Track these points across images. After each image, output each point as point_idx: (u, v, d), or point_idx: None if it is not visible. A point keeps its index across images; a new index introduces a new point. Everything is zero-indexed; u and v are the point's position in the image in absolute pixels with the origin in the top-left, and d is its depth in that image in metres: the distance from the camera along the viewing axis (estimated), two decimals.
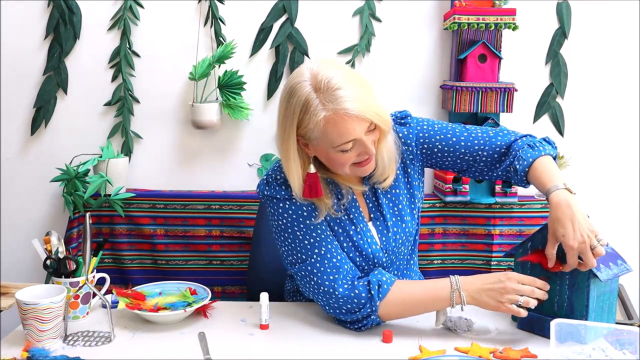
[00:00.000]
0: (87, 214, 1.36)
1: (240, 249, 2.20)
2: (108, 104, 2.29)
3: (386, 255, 1.46)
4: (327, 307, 1.38)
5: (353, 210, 1.44)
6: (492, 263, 2.20)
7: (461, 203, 2.16)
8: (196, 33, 2.25)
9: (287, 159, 1.37)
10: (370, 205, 1.47)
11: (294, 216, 1.40)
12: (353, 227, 1.43)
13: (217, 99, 2.25)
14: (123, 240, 2.21)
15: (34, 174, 2.33)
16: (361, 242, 1.43)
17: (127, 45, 2.26)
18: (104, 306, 1.46)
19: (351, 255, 1.42)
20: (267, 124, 2.31)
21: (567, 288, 1.31)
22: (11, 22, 2.25)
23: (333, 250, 1.39)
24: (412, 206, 1.52)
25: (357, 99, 1.27)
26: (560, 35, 2.28)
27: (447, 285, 1.32)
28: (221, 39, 2.25)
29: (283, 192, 1.41)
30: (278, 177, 1.44)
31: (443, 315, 1.34)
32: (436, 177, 2.27)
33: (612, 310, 1.36)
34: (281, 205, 1.41)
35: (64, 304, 1.30)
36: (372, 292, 1.33)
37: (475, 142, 1.47)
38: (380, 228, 1.46)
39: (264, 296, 1.36)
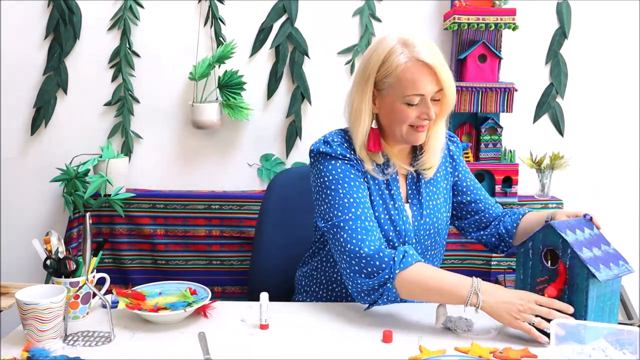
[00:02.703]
0: (87, 214, 1.36)
1: (240, 249, 2.20)
2: (108, 104, 2.29)
3: (415, 240, 1.50)
4: (348, 271, 1.40)
5: (395, 189, 1.51)
6: (492, 263, 2.20)
7: None
8: (196, 33, 2.25)
9: (358, 111, 1.47)
10: (410, 190, 1.53)
11: (342, 174, 1.46)
12: (392, 202, 1.49)
13: (217, 99, 2.25)
14: (123, 240, 2.21)
15: (34, 174, 2.33)
16: (396, 217, 1.48)
17: (127, 45, 2.26)
18: (104, 306, 1.46)
19: (386, 227, 1.47)
20: (267, 124, 2.31)
21: (566, 288, 1.30)
22: (11, 22, 2.26)
23: (368, 215, 1.43)
24: (447, 207, 1.59)
25: (437, 59, 1.39)
26: (560, 35, 2.28)
27: (467, 284, 1.32)
28: (221, 39, 2.25)
29: (339, 152, 1.48)
30: (336, 139, 1.51)
31: (443, 315, 1.34)
32: None
33: (614, 311, 1.35)
34: (333, 162, 1.48)
35: (64, 304, 1.30)
36: (396, 259, 1.35)
37: (485, 196, 1.63)
38: (415, 213, 1.52)
39: (264, 296, 1.36)
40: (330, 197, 1.45)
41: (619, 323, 1.73)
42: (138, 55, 2.27)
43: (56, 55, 2.26)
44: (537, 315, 1.27)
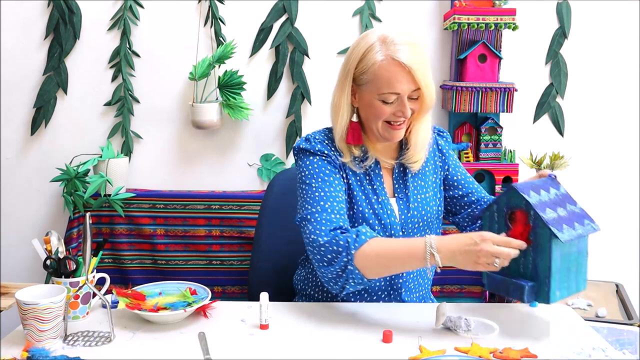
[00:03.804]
0: (87, 214, 1.36)
1: (240, 249, 2.20)
2: (108, 104, 2.29)
3: (403, 233, 1.51)
4: (314, 262, 1.42)
5: (377, 183, 1.52)
6: None
7: None
8: (196, 33, 2.25)
9: (338, 104, 1.50)
10: (396, 184, 1.55)
11: (317, 169, 1.49)
12: (375, 197, 1.51)
13: (217, 99, 2.25)
14: (123, 240, 2.21)
15: (34, 174, 2.33)
16: (380, 211, 1.50)
17: (127, 45, 2.26)
18: (104, 306, 1.46)
19: (371, 221, 1.49)
20: (267, 124, 2.31)
21: (531, 249, 1.29)
22: (11, 22, 2.26)
23: (337, 207, 1.44)
24: (438, 201, 1.59)
25: (414, 60, 1.40)
26: (560, 35, 2.28)
27: (421, 247, 1.33)
28: (221, 39, 2.25)
29: (317, 148, 1.51)
30: (317, 137, 1.54)
31: (443, 315, 1.34)
32: None
33: (581, 271, 1.33)
34: (311, 158, 1.51)
35: (64, 304, 1.30)
36: (349, 240, 1.36)
37: (478, 188, 1.63)
38: (402, 206, 1.53)
39: (264, 296, 1.36)
40: (304, 192, 1.49)
41: (619, 323, 1.74)
42: (138, 55, 2.27)
43: (56, 55, 2.26)
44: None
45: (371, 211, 1.49)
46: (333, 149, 1.51)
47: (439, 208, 1.60)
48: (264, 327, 1.36)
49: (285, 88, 2.30)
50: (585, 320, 1.49)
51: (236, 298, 2.22)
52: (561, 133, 2.33)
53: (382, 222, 1.49)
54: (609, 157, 2.35)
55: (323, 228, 1.40)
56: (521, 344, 1.27)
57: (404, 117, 1.44)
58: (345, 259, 1.35)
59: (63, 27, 2.24)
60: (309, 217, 1.43)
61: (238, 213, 2.19)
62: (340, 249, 1.36)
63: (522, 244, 1.27)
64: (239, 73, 2.22)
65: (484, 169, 2.16)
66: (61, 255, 1.43)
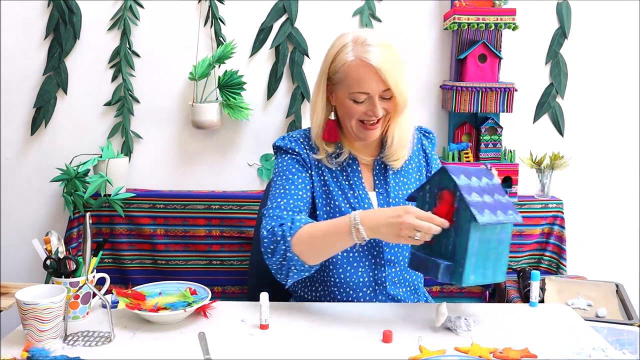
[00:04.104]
0: (87, 214, 1.36)
1: (240, 249, 2.20)
2: (108, 104, 2.29)
3: None
4: (263, 254, 1.47)
5: (355, 179, 1.56)
6: None
7: None
8: (196, 33, 2.25)
9: (315, 102, 1.55)
10: (376, 179, 1.57)
11: (284, 168, 1.55)
12: (351, 192, 1.54)
13: (217, 99, 2.25)
14: (123, 240, 2.21)
15: (34, 174, 2.33)
16: (357, 205, 1.53)
17: (127, 45, 2.26)
18: (104, 306, 1.46)
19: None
20: (267, 124, 2.31)
21: (453, 230, 1.30)
22: (11, 22, 2.25)
23: (290, 206, 1.49)
24: None
25: (383, 60, 1.42)
26: (560, 35, 2.28)
27: (347, 223, 1.36)
28: (221, 39, 2.25)
29: (289, 146, 1.56)
30: (295, 135, 1.59)
31: (443, 315, 1.34)
32: None
33: (501, 262, 1.33)
34: (283, 156, 1.57)
35: (64, 304, 1.30)
36: (285, 229, 1.41)
37: None
38: (381, 201, 1.55)
39: (264, 296, 1.36)
40: (270, 188, 1.55)
41: (619, 323, 1.74)
42: (138, 55, 2.27)
43: (56, 55, 2.26)
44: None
45: (348, 205, 1.53)
46: (307, 147, 1.56)
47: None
48: (264, 327, 1.36)
49: (285, 88, 2.30)
50: (585, 320, 1.48)
51: (236, 298, 2.22)
52: (561, 133, 2.33)
53: None
54: (609, 157, 2.35)
55: (272, 223, 1.45)
56: (521, 344, 1.27)
57: (375, 116, 1.47)
58: (283, 247, 1.40)
59: (63, 27, 2.25)
60: (264, 212, 1.50)
61: (238, 213, 2.19)
62: (279, 238, 1.41)
63: (444, 222, 1.29)
64: (239, 73, 2.22)
65: None
66: (61, 255, 1.43)
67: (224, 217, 2.19)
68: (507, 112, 2.15)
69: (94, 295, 1.43)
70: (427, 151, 1.66)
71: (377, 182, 1.57)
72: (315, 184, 1.55)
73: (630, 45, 2.29)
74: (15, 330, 1.34)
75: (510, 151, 2.19)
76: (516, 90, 2.14)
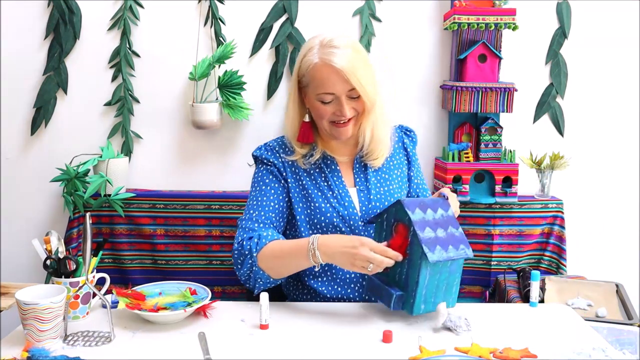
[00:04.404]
0: (87, 214, 1.36)
1: None
2: (108, 104, 2.29)
3: (363, 225, 1.57)
4: (234, 266, 1.53)
5: (334, 178, 1.59)
6: (492, 263, 2.20)
7: (461, 203, 2.15)
8: (196, 33, 2.25)
9: (288, 104, 1.59)
10: (357, 176, 1.61)
11: (259, 179, 1.60)
12: (331, 192, 1.58)
13: (217, 99, 2.25)
14: (123, 240, 2.21)
15: (34, 174, 2.33)
16: (337, 204, 1.56)
17: (127, 45, 2.26)
18: (104, 306, 1.46)
19: (328, 215, 1.55)
20: (267, 124, 2.31)
21: (406, 262, 1.37)
22: (11, 22, 2.25)
23: (262, 218, 1.54)
24: (403, 194, 1.65)
25: (347, 61, 1.45)
26: (560, 35, 2.28)
27: (305, 247, 1.41)
28: (221, 39, 2.25)
29: (265, 156, 1.61)
30: (271, 144, 1.64)
31: (443, 315, 1.34)
32: (436, 177, 2.28)
33: (451, 291, 1.41)
34: (259, 166, 1.62)
35: (64, 304, 1.30)
36: (251, 245, 1.47)
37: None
38: (362, 198, 1.58)
39: (264, 296, 1.36)
40: (249, 197, 1.61)
41: (619, 323, 1.74)
42: (138, 55, 2.27)
43: (56, 55, 2.26)
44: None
45: (328, 205, 1.56)
46: (283, 156, 1.60)
47: None
48: (264, 327, 1.36)
49: (285, 88, 2.30)
50: (585, 320, 1.49)
51: (236, 298, 2.22)
52: (561, 133, 2.33)
53: (340, 214, 1.55)
54: (609, 157, 2.35)
55: (244, 235, 1.51)
56: (521, 344, 1.27)
57: (343, 116, 1.50)
58: (250, 261, 1.47)
59: (63, 27, 2.24)
60: (238, 223, 1.57)
61: (238, 213, 2.19)
62: (246, 252, 1.47)
63: (397, 256, 1.36)
64: (239, 73, 2.22)
65: (484, 169, 2.16)
66: (61, 255, 1.43)
67: (224, 217, 2.19)
68: (507, 112, 2.15)
69: (94, 295, 1.43)
70: (409, 150, 1.70)
71: (357, 179, 1.61)
72: (292, 191, 1.58)
73: (630, 45, 2.29)
74: (15, 330, 1.34)
75: (510, 151, 2.19)
76: (516, 90, 2.14)
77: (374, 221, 1.48)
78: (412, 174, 1.69)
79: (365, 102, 1.50)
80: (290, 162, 1.60)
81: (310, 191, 1.57)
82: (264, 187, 1.58)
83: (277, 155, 1.61)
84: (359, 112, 1.52)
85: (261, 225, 1.54)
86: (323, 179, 1.59)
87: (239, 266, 1.51)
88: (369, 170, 1.62)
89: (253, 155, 1.65)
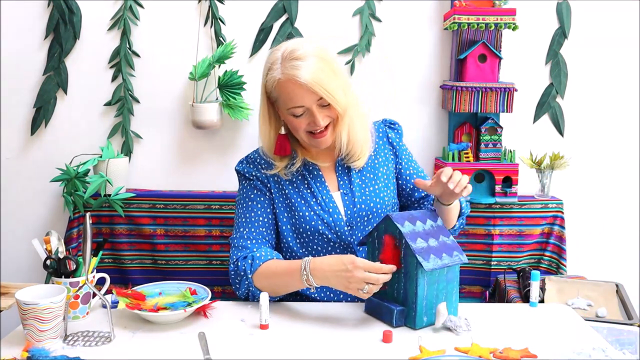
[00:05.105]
0: (87, 214, 1.36)
1: None
2: (108, 104, 2.29)
3: (349, 229, 1.55)
4: (232, 286, 1.55)
5: (317, 184, 1.58)
6: (492, 263, 2.20)
7: None
8: (196, 33, 2.25)
9: (260, 117, 1.57)
10: (340, 179, 1.60)
11: (244, 195, 1.60)
12: (314, 199, 1.57)
13: (217, 99, 2.25)
14: (123, 240, 2.21)
15: (34, 174, 2.33)
16: (321, 211, 1.55)
17: (127, 45, 2.26)
18: (104, 306, 1.46)
19: (313, 223, 1.54)
20: None
21: (402, 276, 1.37)
22: (11, 22, 2.25)
23: (254, 232, 1.54)
24: (390, 192, 1.63)
25: (310, 72, 1.42)
26: (560, 35, 2.28)
27: (298, 271, 1.41)
28: (221, 39, 2.25)
29: (246, 170, 1.61)
30: (251, 156, 1.63)
31: (443, 315, 1.34)
32: None
33: (451, 299, 1.40)
34: (242, 181, 1.62)
35: (64, 304, 1.30)
36: (246, 266, 1.48)
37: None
38: (347, 201, 1.57)
39: (264, 296, 1.36)
40: (235, 214, 1.61)
41: (619, 323, 1.74)
42: (138, 55, 2.27)
43: (56, 55, 2.26)
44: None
45: (312, 213, 1.55)
46: (265, 165, 1.59)
47: (394, 200, 1.64)
48: (264, 327, 1.36)
49: None
50: (585, 320, 1.49)
51: (236, 298, 2.21)
52: (561, 133, 2.33)
53: (325, 221, 1.55)
54: (609, 157, 2.35)
55: (239, 254, 1.53)
56: (521, 344, 1.27)
57: (318, 126, 1.48)
58: (246, 282, 1.49)
59: (63, 27, 2.24)
60: (230, 242, 1.58)
61: None
62: (242, 273, 1.49)
63: (393, 267, 1.35)
64: (239, 73, 2.22)
65: (484, 169, 2.16)
66: (61, 255, 1.43)
67: (224, 217, 2.19)
68: (507, 112, 2.15)
69: (94, 295, 1.43)
70: (394, 143, 1.68)
71: (340, 182, 1.59)
72: (276, 201, 1.58)
73: (630, 45, 2.29)
74: (15, 330, 1.34)
75: (510, 151, 2.19)
76: (516, 90, 2.14)
77: (365, 242, 1.46)
78: (401, 167, 1.67)
79: (336, 108, 1.47)
80: (272, 173, 1.59)
81: (293, 200, 1.57)
82: (250, 203, 1.58)
83: (259, 167, 1.60)
84: (333, 118, 1.50)
85: (253, 241, 1.54)
86: (306, 186, 1.58)
87: (237, 286, 1.52)
88: (352, 172, 1.60)
89: (236, 170, 1.64)
